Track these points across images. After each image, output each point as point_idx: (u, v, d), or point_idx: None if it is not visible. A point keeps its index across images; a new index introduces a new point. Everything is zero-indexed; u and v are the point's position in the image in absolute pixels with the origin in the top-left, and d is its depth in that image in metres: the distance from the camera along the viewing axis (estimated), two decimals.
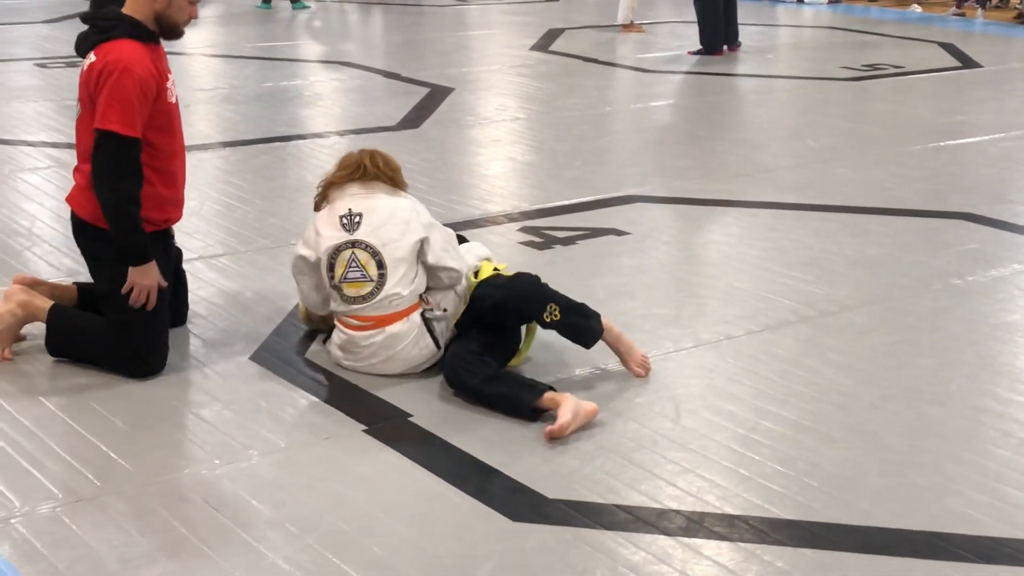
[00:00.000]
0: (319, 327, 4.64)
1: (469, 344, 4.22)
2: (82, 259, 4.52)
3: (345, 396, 4.19)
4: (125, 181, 4.19)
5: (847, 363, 4.53)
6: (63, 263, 5.36)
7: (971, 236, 6.09)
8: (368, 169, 4.38)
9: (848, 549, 3.30)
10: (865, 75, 10.83)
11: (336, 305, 4.32)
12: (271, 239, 5.83)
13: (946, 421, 4.08)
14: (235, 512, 3.43)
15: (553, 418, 3.90)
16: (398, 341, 4.24)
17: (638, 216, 6.36)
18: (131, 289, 4.24)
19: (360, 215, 4.28)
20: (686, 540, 3.34)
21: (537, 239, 5.93)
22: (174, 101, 4.42)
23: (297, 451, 3.81)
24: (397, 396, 4.17)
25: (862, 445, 3.90)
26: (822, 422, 4.04)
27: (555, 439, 3.85)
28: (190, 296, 4.93)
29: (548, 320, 4.24)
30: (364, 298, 4.24)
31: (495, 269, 4.49)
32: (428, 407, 4.10)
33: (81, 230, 4.39)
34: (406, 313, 4.26)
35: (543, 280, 4.40)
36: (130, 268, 4.24)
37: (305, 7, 14.79)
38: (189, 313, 4.83)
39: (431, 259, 4.30)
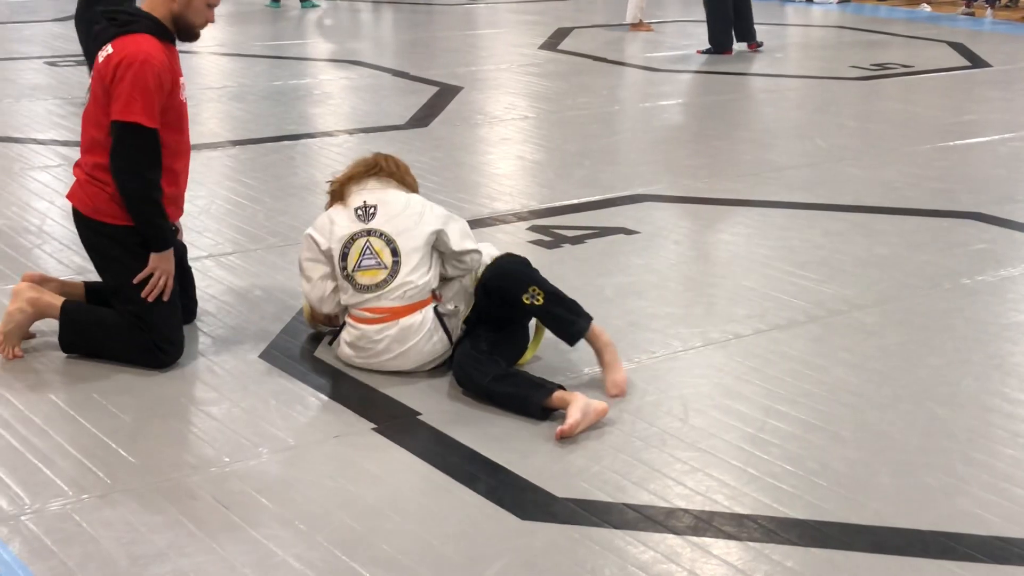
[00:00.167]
0: (323, 328, 4.63)
1: (478, 343, 4.22)
2: None
3: (354, 394, 4.20)
4: (150, 170, 4.27)
5: (857, 363, 4.52)
6: (73, 261, 5.37)
7: (981, 236, 6.08)
8: (384, 167, 4.46)
9: (858, 549, 3.30)
10: (874, 74, 10.81)
11: (348, 297, 4.31)
12: (281, 237, 5.83)
13: (956, 421, 4.08)
14: (245, 510, 3.43)
15: (563, 417, 3.90)
16: (412, 334, 4.24)
17: (647, 215, 6.36)
18: (144, 281, 4.27)
19: (375, 206, 4.32)
20: (695, 539, 3.34)
21: (546, 238, 5.93)
22: (184, 100, 4.44)
23: (306, 449, 3.82)
24: (406, 394, 4.18)
25: (872, 445, 3.90)
26: (832, 422, 4.04)
27: (565, 438, 3.85)
28: (200, 294, 4.95)
29: (528, 303, 4.19)
30: (378, 286, 4.24)
31: None
32: (437, 405, 4.10)
33: (84, 225, 4.41)
34: (420, 306, 4.26)
35: (549, 276, 4.39)
36: (152, 254, 4.29)
37: (314, 6, 14.80)
38: (199, 310, 4.83)
39: (454, 246, 4.33)
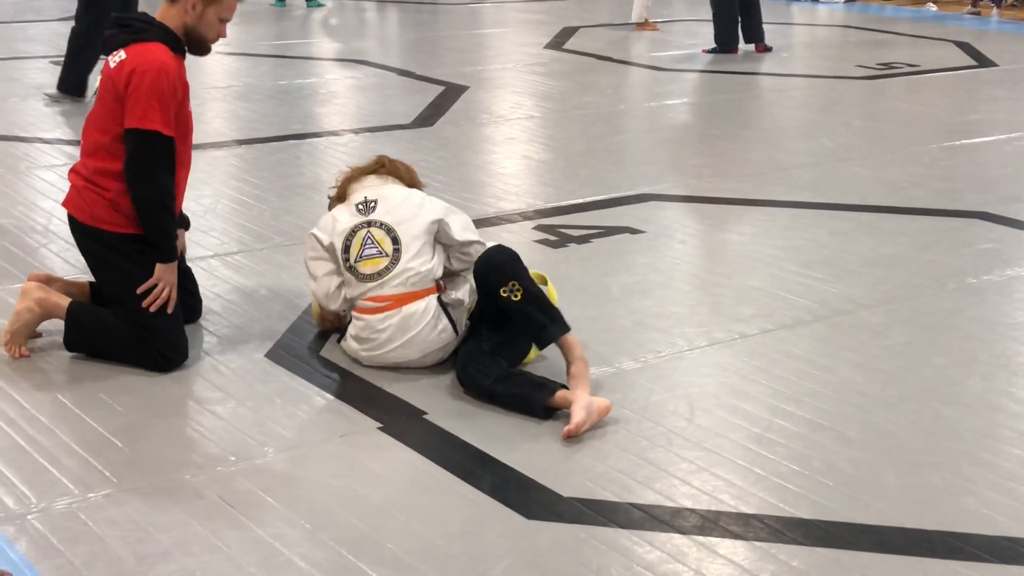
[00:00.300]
0: (332, 327, 4.64)
1: (480, 344, 4.23)
2: None
3: (360, 393, 4.20)
4: (166, 177, 4.30)
5: (862, 362, 4.52)
6: (79, 260, 5.36)
7: (987, 235, 6.07)
8: (387, 165, 4.56)
9: (864, 548, 3.30)
10: (880, 74, 10.80)
11: (351, 289, 4.33)
12: (286, 236, 5.83)
13: (962, 421, 4.07)
14: (250, 509, 3.43)
15: (567, 416, 3.90)
16: (415, 322, 4.25)
17: (653, 215, 6.36)
18: (147, 291, 4.28)
19: (375, 200, 4.37)
20: (701, 539, 3.33)
21: (552, 237, 5.93)
22: (190, 111, 4.46)
23: (312, 448, 3.82)
24: (412, 393, 4.18)
25: (878, 444, 3.89)
26: (838, 421, 4.03)
27: (571, 438, 3.85)
28: (206, 293, 4.95)
29: (505, 296, 4.15)
30: (379, 274, 4.26)
31: None
32: (442, 404, 4.10)
33: (82, 233, 4.42)
34: (423, 294, 4.28)
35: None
36: (158, 264, 4.30)
37: (320, 5, 14.80)
38: (204, 309, 4.84)
39: (457, 236, 4.36)
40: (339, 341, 4.51)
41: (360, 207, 4.37)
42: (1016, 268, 5.57)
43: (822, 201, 6.65)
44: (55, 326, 4.48)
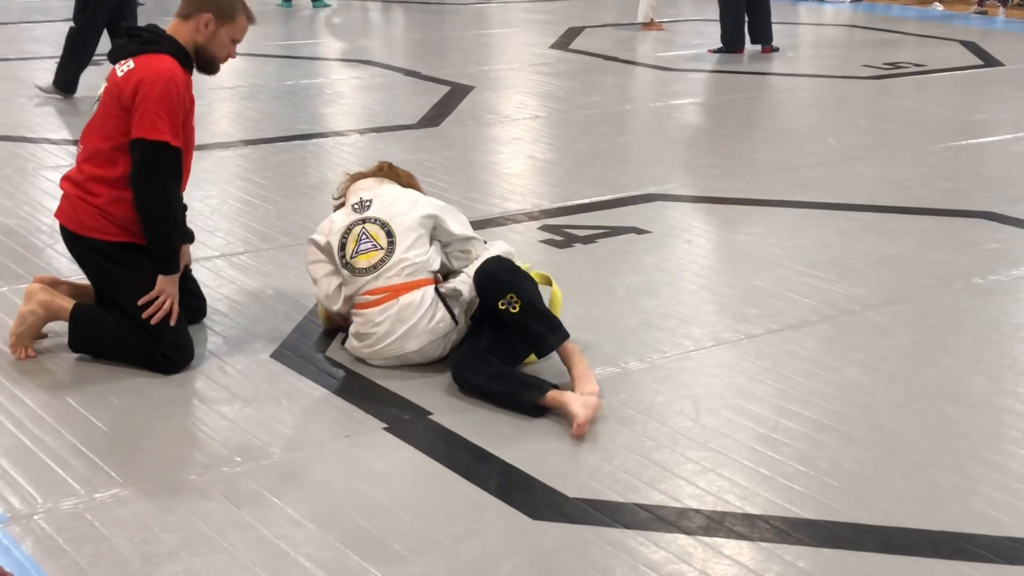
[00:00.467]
0: (338, 327, 4.64)
1: (476, 343, 4.26)
2: None
3: (365, 394, 4.20)
4: (173, 188, 4.32)
5: (869, 363, 4.51)
6: None
7: (993, 235, 6.06)
8: (387, 170, 4.66)
9: (870, 549, 3.29)
10: (886, 73, 10.79)
11: (349, 286, 4.35)
12: (292, 237, 5.84)
13: (968, 421, 4.07)
14: (256, 509, 3.44)
15: (556, 414, 3.95)
16: (412, 311, 4.26)
17: (659, 214, 6.35)
18: (148, 302, 4.28)
19: (371, 200, 4.44)
20: (707, 539, 3.33)
21: (557, 237, 5.93)
22: (193, 126, 4.49)
23: (317, 448, 3.82)
24: (417, 394, 4.18)
25: (884, 445, 3.89)
26: (844, 422, 4.03)
27: (580, 437, 3.86)
28: (211, 293, 4.96)
29: (503, 308, 4.14)
30: (375, 267, 4.30)
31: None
32: (448, 404, 4.10)
33: (75, 241, 4.43)
34: (419, 284, 4.29)
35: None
36: (160, 276, 4.31)
37: (326, 5, 14.81)
38: (209, 310, 4.84)
39: (455, 231, 4.40)
40: (343, 343, 4.51)
41: (356, 207, 4.43)
42: (1022, 268, 5.56)
43: (828, 201, 6.64)
44: (61, 327, 4.49)
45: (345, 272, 4.35)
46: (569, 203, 6.56)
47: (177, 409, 4.10)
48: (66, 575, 3.13)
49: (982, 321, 4.97)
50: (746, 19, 11.70)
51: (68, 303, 4.41)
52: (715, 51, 11.70)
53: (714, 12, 11.93)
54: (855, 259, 5.65)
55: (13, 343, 4.40)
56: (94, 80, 8.56)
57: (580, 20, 13.84)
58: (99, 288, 4.46)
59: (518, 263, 4.53)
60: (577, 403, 3.92)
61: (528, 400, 4.01)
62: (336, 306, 4.45)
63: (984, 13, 15.07)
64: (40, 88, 9.01)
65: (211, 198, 6.47)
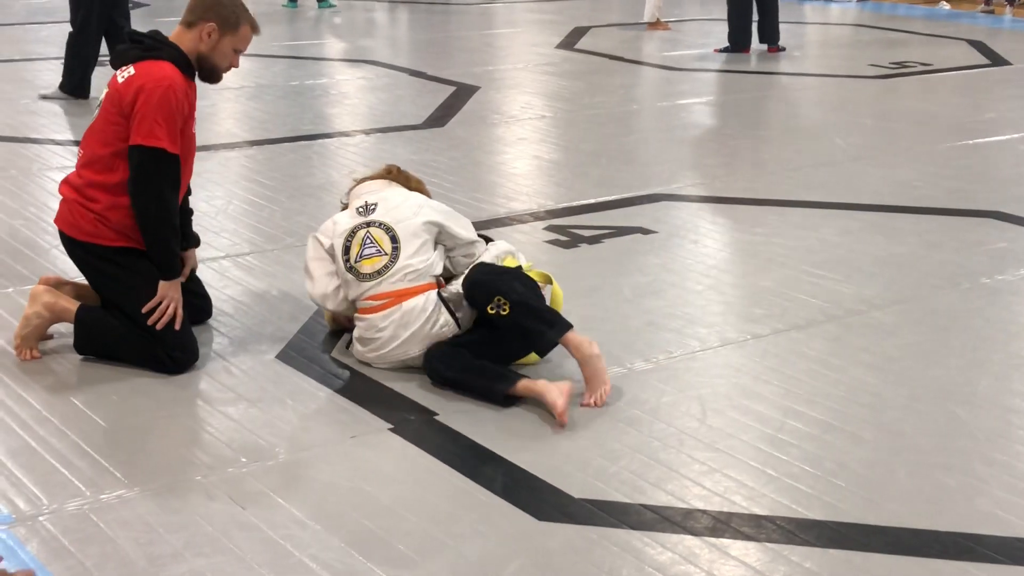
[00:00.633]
0: (343, 327, 4.64)
1: (457, 338, 4.28)
2: None
3: (371, 394, 4.20)
4: (171, 196, 4.31)
5: (875, 363, 4.50)
6: None
7: (1000, 235, 6.05)
8: (396, 174, 4.63)
9: (876, 550, 3.28)
10: (893, 73, 10.78)
11: (352, 290, 4.34)
12: (298, 237, 5.83)
13: (975, 421, 4.05)
14: (261, 510, 3.43)
15: (533, 403, 4.02)
16: (415, 317, 4.25)
17: (665, 215, 6.34)
18: (152, 308, 4.28)
19: (375, 204, 4.42)
20: (713, 540, 3.32)
21: (563, 238, 5.92)
22: (193, 133, 4.49)
23: (323, 449, 3.82)
24: (422, 394, 4.17)
25: (890, 445, 3.88)
26: (850, 422, 4.02)
27: (564, 424, 3.92)
28: (217, 294, 4.96)
29: (493, 313, 4.12)
30: (379, 272, 4.29)
31: (517, 267, 4.48)
32: (453, 405, 4.09)
33: (74, 246, 4.43)
34: (422, 290, 4.29)
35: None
36: (161, 281, 4.31)
37: (331, 6, 14.81)
38: (215, 311, 4.84)
39: (461, 235, 4.41)
40: (348, 345, 4.51)
41: (360, 210, 4.42)
42: None
43: (834, 201, 6.63)
44: (66, 328, 4.49)
45: (349, 276, 4.34)
46: (575, 203, 6.55)
47: (182, 410, 4.10)
48: None
49: (989, 321, 4.96)
50: (755, 18, 11.69)
51: (72, 305, 4.41)
52: (721, 50, 11.69)
53: (720, 12, 11.93)
54: (861, 259, 5.64)
55: (18, 345, 4.40)
56: (104, 81, 8.55)
57: (586, 20, 13.84)
58: (101, 292, 4.46)
59: (521, 262, 4.54)
60: (552, 393, 3.95)
61: (499, 391, 4.05)
62: (331, 305, 4.45)
63: (991, 12, 15.05)
64: (44, 96, 8.99)
65: (216, 199, 6.47)
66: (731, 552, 3.27)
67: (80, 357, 4.42)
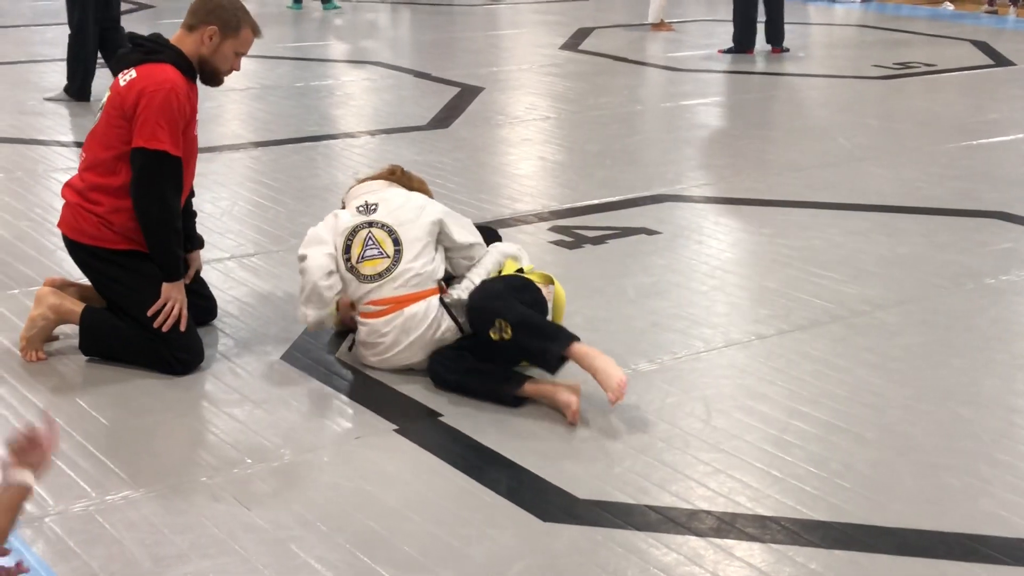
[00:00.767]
0: (349, 328, 4.64)
1: (460, 341, 4.28)
2: None
3: (376, 396, 4.20)
4: (174, 199, 4.31)
5: (880, 363, 4.50)
6: None
7: (1005, 235, 6.05)
8: (399, 175, 4.60)
9: (881, 551, 3.28)
10: (897, 73, 10.77)
11: (354, 289, 4.34)
12: (302, 238, 5.81)
13: (980, 422, 4.05)
14: (267, 511, 3.44)
15: (540, 403, 4.02)
16: (417, 323, 4.25)
17: (669, 215, 6.35)
18: (157, 311, 4.29)
19: (376, 203, 4.40)
20: (718, 541, 3.33)
21: (567, 238, 5.92)
22: (195, 136, 4.49)
23: (328, 450, 3.82)
24: (427, 396, 4.18)
25: (895, 446, 3.88)
26: (855, 423, 4.02)
27: (575, 423, 3.92)
28: (222, 295, 4.96)
29: (497, 338, 4.05)
30: (380, 275, 4.28)
31: (519, 270, 4.48)
32: (458, 407, 4.10)
33: (78, 249, 4.44)
34: (424, 295, 4.28)
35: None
36: (164, 283, 4.31)
37: (336, 7, 14.82)
38: (220, 312, 4.85)
39: (458, 239, 4.37)
40: (350, 349, 4.50)
41: (360, 208, 4.40)
42: None
43: (839, 201, 6.63)
44: (72, 329, 4.50)
45: (349, 275, 4.34)
46: (579, 204, 6.55)
47: (187, 411, 4.10)
48: None
49: (993, 321, 4.96)
50: (762, 19, 11.67)
51: (78, 307, 4.42)
52: (725, 51, 11.68)
53: (723, 13, 11.93)
54: (866, 259, 5.64)
55: (23, 347, 4.41)
56: (106, 83, 8.57)
57: (590, 21, 13.84)
58: (105, 295, 4.47)
59: (524, 263, 4.54)
60: (563, 392, 3.96)
61: (507, 393, 4.04)
62: (320, 307, 4.35)
63: (995, 12, 15.03)
64: (49, 99, 9.02)
65: (222, 200, 6.48)
66: (736, 553, 3.27)
67: (85, 358, 4.43)
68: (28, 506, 3.41)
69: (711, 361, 4.51)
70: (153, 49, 4.36)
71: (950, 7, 15.58)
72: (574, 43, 12.29)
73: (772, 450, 3.83)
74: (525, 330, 4.06)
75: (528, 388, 4.04)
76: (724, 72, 10.92)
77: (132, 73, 4.30)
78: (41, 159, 7.36)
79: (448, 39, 12.84)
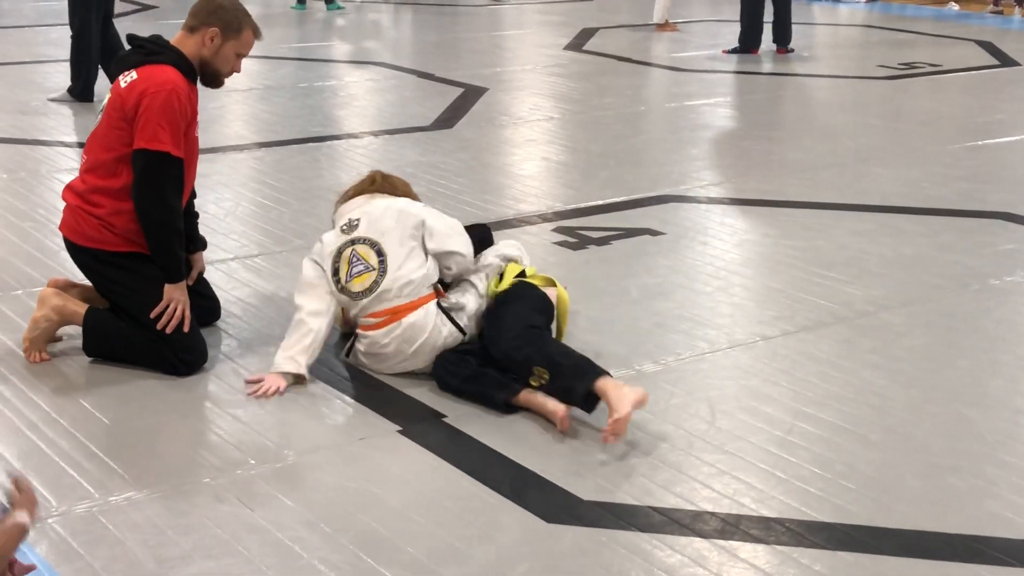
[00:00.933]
0: (354, 330, 4.63)
1: (465, 346, 4.28)
2: None
3: (379, 397, 4.20)
4: (175, 200, 4.31)
5: (884, 364, 4.49)
6: None
7: (1009, 236, 6.04)
8: (377, 182, 4.55)
9: (886, 552, 3.28)
10: (902, 73, 10.76)
11: (351, 308, 4.34)
12: (306, 239, 5.82)
13: (984, 423, 4.04)
14: (270, 512, 3.43)
15: (532, 413, 3.99)
16: (418, 332, 4.24)
17: (673, 216, 6.34)
18: (160, 313, 4.29)
19: (358, 219, 4.37)
20: (722, 542, 3.32)
21: (571, 239, 5.92)
22: (196, 137, 4.49)
23: (332, 451, 3.82)
24: (431, 397, 4.17)
25: (900, 447, 3.87)
26: (859, 424, 4.01)
27: (564, 431, 3.89)
28: (225, 296, 4.96)
29: (537, 385, 4.00)
30: (370, 289, 4.27)
31: (521, 273, 4.46)
32: (461, 408, 4.09)
33: (78, 252, 4.43)
34: (420, 303, 4.27)
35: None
36: (167, 285, 4.31)
37: (340, 8, 14.83)
38: (224, 312, 4.84)
39: (432, 244, 4.33)
40: (347, 356, 4.47)
41: (344, 228, 4.38)
42: None
43: (843, 202, 6.62)
44: (75, 330, 4.49)
45: (343, 297, 4.32)
46: (583, 205, 6.55)
47: (190, 412, 4.10)
48: None
49: (998, 322, 4.95)
50: (769, 19, 11.66)
51: (81, 308, 4.41)
52: (730, 52, 11.67)
53: (728, 13, 11.92)
54: (870, 260, 5.63)
55: (27, 348, 4.41)
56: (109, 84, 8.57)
57: (594, 21, 13.83)
58: (107, 297, 4.46)
59: (524, 262, 4.54)
60: (553, 400, 3.93)
61: (499, 399, 4.03)
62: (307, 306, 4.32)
63: (1000, 13, 15.02)
64: (53, 99, 9.04)
65: (225, 201, 6.48)
66: (740, 554, 3.27)
67: (89, 359, 4.43)
68: None
69: (715, 362, 4.51)
70: (154, 51, 4.35)
71: (955, 7, 15.56)
72: (578, 43, 12.28)
73: (776, 451, 3.82)
74: (560, 374, 3.96)
75: (522, 397, 4.02)
76: (728, 72, 10.91)
77: (133, 75, 4.29)
78: (44, 160, 7.36)
79: (452, 39, 12.83)
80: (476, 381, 4.11)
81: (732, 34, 11.86)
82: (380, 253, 4.28)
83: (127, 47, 4.49)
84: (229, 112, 8.87)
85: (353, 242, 4.32)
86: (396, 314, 4.25)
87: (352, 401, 4.18)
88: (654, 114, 9.22)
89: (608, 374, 3.95)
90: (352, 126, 8.62)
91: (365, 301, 4.28)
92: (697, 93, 9.94)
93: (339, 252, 4.33)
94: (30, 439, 3.85)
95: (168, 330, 4.28)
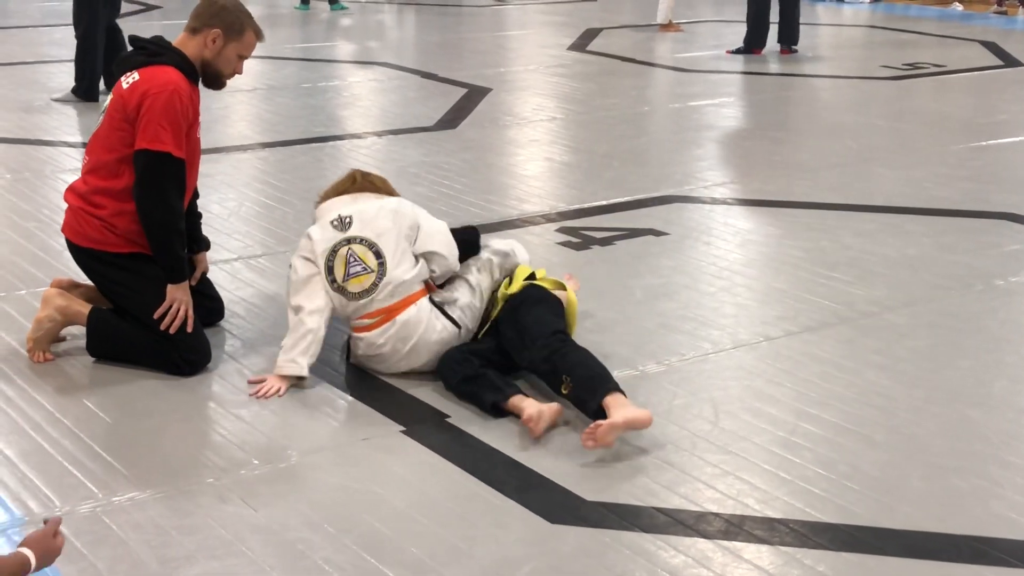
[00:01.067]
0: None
1: (472, 345, 4.27)
2: None
3: (383, 397, 4.20)
4: (177, 201, 4.30)
5: (888, 365, 4.49)
6: None
7: (1013, 236, 6.03)
8: (358, 181, 4.53)
9: (890, 553, 3.27)
10: (906, 74, 10.75)
11: (343, 308, 4.30)
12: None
13: (988, 424, 4.04)
14: (274, 512, 3.43)
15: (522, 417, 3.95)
16: (413, 329, 4.24)
17: (677, 216, 6.34)
18: (163, 313, 4.29)
19: (350, 216, 4.33)
20: (726, 543, 3.32)
21: (575, 239, 5.92)
22: (198, 138, 4.49)
23: (335, 452, 3.82)
24: (434, 397, 4.17)
25: (904, 448, 3.87)
26: (863, 425, 4.01)
27: (537, 436, 3.85)
28: (229, 296, 4.96)
29: (565, 393, 4.00)
30: (368, 291, 4.25)
31: (531, 276, 4.46)
32: (465, 408, 4.09)
33: (81, 253, 4.43)
34: (412, 300, 4.27)
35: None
36: (169, 285, 4.31)
37: (343, 8, 14.83)
38: (228, 312, 4.84)
39: (417, 245, 4.32)
40: (348, 359, 4.48)
41: (335, 223, 4.32)
42: None
43: (847, 202, 6.62)
44: (79, 330, 4.50)
45: (337, 296, 4.29)
46: (587, 205, 6.55)
47: (194, 412, 4.10)
48: None
49: (1002, 323, 4.94)
50: (776, 20, 11.64)
51: (85, 308, 4.41)
52: (734, 52, 11.67)
53: (732, 13, 11.91)
54: (874, 260, 5.62)
55: (30, 348, 4.41)
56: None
57: (598, 21, 13.83)
58: (110, 298, 4.47)
59: (524, 261, 4.53)
60: (531, 408, 3.89)
61: (487, 401, 4.02)
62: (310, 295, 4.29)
63: (1004, 13, 15.01)
64: (57, 99, 9.06)
65: (229, 201, 6.48)
66: (744, 555, 3.26)
67: (92, 359, 4.43)
68: (34, 507, 3.43)
69: (719, 363, 4.50)
70: (155, 52, 4.36)
71: (959, 7, 15.55)
72: (582, 44, 12.28)
73: (780, 452, 3.81)
74: (581, 387, 3.96)
75: (511, 402, 3.99)
76: (733, 73, 10.91)
77: (135, 75, 4.29)
78: (48, 160, 7.36)
79: (455, 40, 12.83)
80: (472, 382, 4.10)
81: (736, 34, 11.86)
82: (379, 255, 4.27)
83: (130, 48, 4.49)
84: (233, 112, 8.87)
85: (349, 241, 4.29)
86: (390, 313, 4.25)
87: (355, 401, 4.18)
88: (658, 114, 9.22)
89: (620, 391, 3.90)
90: (355, 126, 8.62)
91: (361, 302, 4.27)
92: (701, 93, 9.93)
93: (333, 250, 4.29)
94: (33, 439, 3.86)
95: (171, 331, 4.29)
